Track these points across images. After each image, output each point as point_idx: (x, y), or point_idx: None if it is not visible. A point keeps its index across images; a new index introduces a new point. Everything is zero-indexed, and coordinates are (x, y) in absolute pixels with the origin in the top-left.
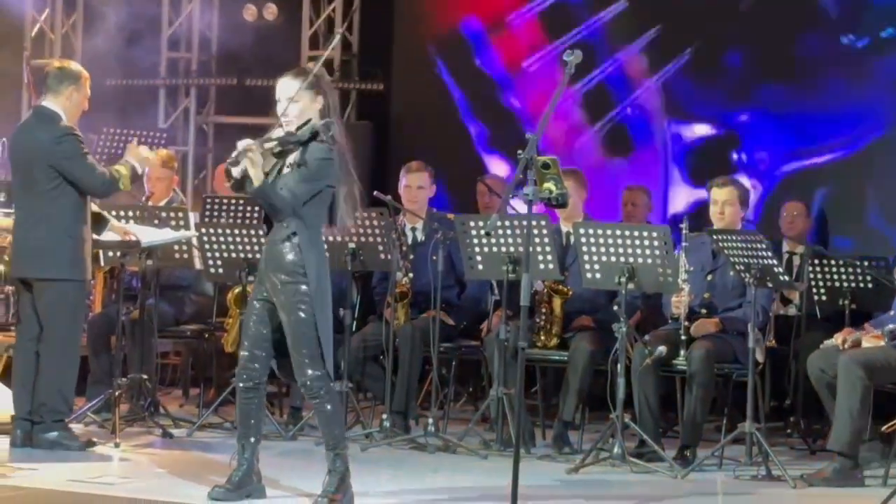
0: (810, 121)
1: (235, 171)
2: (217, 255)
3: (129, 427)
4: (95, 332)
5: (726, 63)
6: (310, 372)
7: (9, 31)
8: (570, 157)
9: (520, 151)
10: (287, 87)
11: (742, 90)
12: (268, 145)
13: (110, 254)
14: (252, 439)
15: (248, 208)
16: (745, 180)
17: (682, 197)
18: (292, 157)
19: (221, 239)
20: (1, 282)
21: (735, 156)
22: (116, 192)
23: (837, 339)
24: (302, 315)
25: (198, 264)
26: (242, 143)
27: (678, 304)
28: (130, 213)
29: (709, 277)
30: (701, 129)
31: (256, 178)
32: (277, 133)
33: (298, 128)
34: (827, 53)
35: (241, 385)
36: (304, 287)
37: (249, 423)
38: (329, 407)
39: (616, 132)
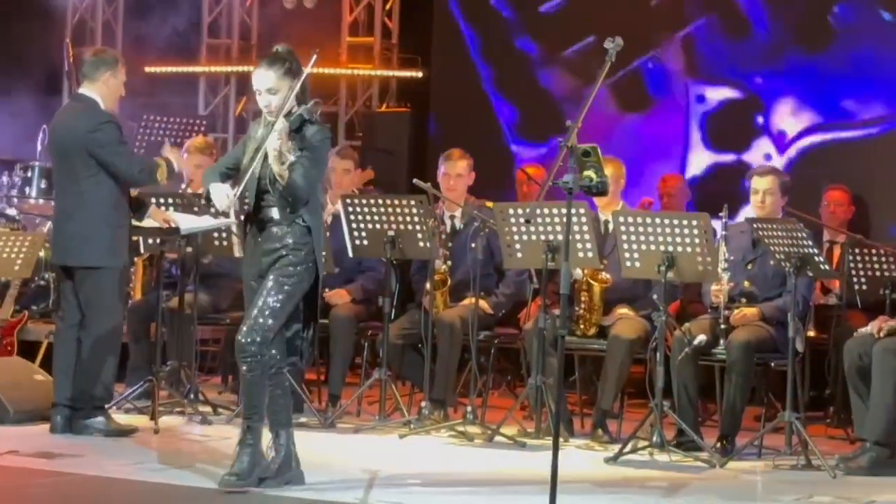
0: (844, 93)
1: (278, 168)
2: None
3: (168, 414)
4: (136, 319)
5: (755, 26)
6: (258, 338)
7: (50, 19)
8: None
9: (560, 138)
10: (264, 79)
11: (771, 55)
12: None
13: (150, 241)
14: (284, 425)
15: None
16: (767, 147)
17: (701, 160)
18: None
19: None
20: (42, 269)
21: (760, 119)
22: (152, 182)
23: (873, 327)
24: (286, 289)
25: (237, 252)
26: (276, 143)
27: (718, 293)
28: (170, 201)
29: (749, 266)
30: (724, 92)
31: (284, 175)
32: (280, 125)
33: (286, 115)
34: (864, 25)
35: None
36: (299, 266)
37: (276, 410)
38: (258, 373)
39: (633, 87)
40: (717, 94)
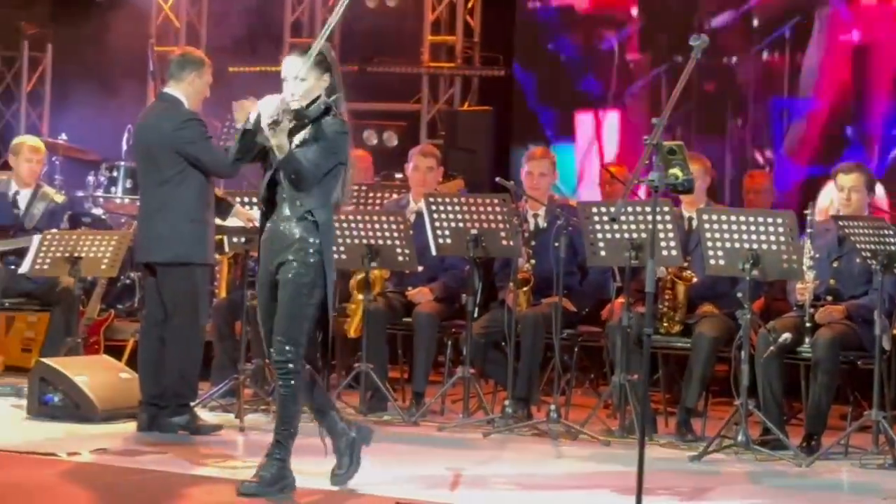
0: None
1: (275, 139)
2: (340, 241)
3: (253, 412)
4: (220, 317)
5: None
6: (289, 352)
7: (135, 19)
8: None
9: (645, 137)
10: (293, 66)
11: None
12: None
13: (234, 240)
14: (324, 411)
15: (371, 194)
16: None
17: (787, 176)
18: (302, 134)
19: (344, 225)
20: (128, 267)
21: (849, 132)
22: (236, 173)
23: None
24: (303, 298)
25: None
26: (275, 104)
27: (803, 290)
28: (254, 200)
29: (834, 264)
30: (810, 104)
31: (283, 146)
32: (290, 104)
33: (307, 105)
34: None
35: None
36: (311, 273)
37: (313, 403)
38: (293, 389)
39: (712, 109)
40: (803, 106)
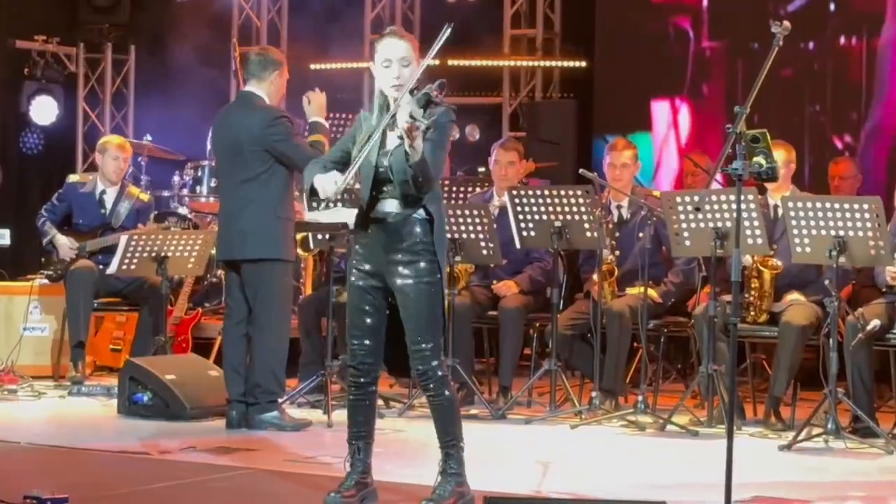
0: None
1: (417, 141)
2: None
3: (341, 408)
4: (306, 314)
5: None
6: (433, 360)
7: (216, 17)
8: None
9: (728, 126)
10: (398, 49)
11: None
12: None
13: (319, 237)
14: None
15: (454, 188)
16: None
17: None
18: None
19: None
20: (215, 267)
21: None
22: None
23: None
24: (429, 298)
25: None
26: (406, 116)
27: (892, 276)
28: (344, 196)
29: None
30: (887, 88)
31: (419, 149)
32: (405, 99)
33: (409, 92)
34: None
35: (361, 380)
36: (434, 267)
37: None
38: (448, 394)
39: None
40: (881, 90)
